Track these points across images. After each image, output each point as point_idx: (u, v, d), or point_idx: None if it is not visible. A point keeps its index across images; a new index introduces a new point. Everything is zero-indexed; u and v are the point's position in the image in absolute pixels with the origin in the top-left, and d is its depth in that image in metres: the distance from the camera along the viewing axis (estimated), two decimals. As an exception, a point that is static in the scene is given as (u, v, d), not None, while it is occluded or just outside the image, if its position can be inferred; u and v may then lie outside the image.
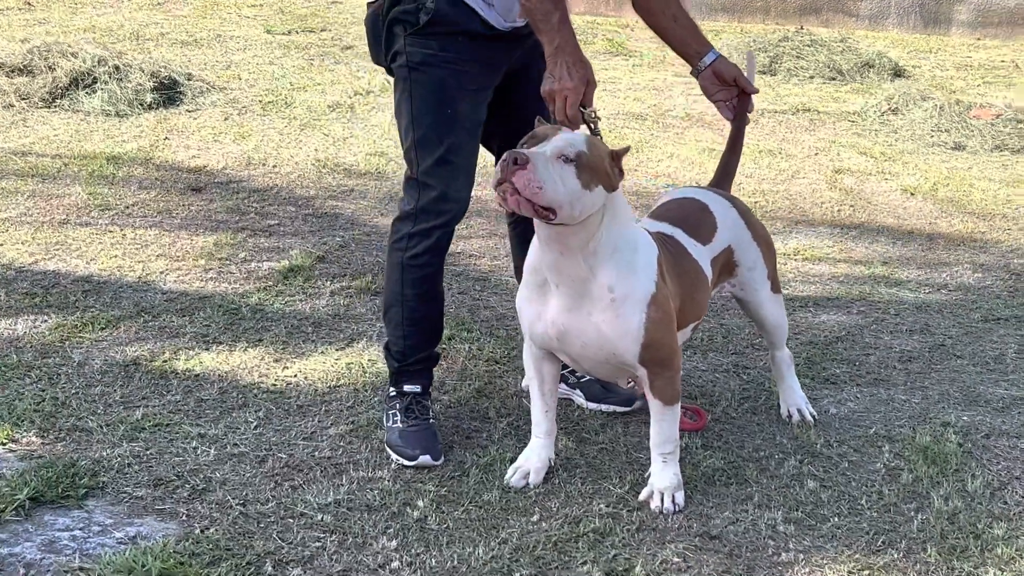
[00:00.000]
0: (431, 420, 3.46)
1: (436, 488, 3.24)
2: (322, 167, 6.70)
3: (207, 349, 4.10)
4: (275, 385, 3.85)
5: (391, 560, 2.89)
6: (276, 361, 4.04)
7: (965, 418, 3.79)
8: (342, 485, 3.23)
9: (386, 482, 3.26)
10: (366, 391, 3.82)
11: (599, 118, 3.16)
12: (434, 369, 3.61)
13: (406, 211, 3.42)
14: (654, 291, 3.04)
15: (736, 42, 10.98)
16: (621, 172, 3.00)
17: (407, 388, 3.50)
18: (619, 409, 3.74)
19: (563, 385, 3.75)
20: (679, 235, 3.32)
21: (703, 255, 3.36)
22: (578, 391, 3.78)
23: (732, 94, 3.58)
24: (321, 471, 3.32)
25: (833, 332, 4.53)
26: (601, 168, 2.93)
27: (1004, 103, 8.74)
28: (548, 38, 3.12)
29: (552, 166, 2.84)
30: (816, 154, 7.57)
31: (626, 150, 3.02)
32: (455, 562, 2.89)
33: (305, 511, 3.09)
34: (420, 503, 3.15)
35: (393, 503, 3.15)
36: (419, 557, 2.91)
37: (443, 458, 3.38)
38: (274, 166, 6.68)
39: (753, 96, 3.61)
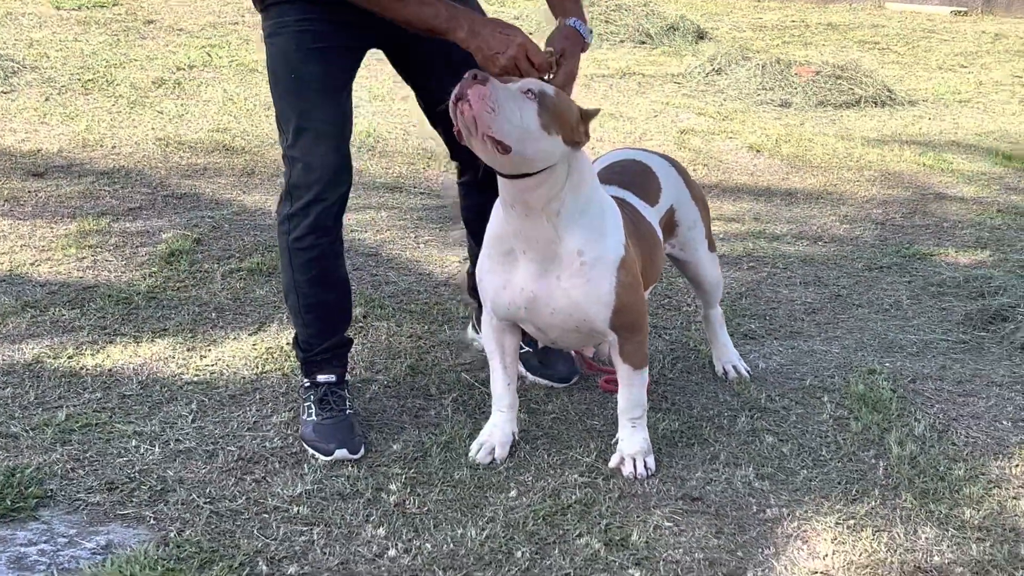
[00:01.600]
0: (348, 411, 3.28)
1: (403, 471, 3.13)
2: (165, 146, 6.41)
3: (111, 342, 3.86)
4: (198, 375, 3.66)
5: (386, 548, 2.77)
6: (189, 351, 3.83)
7: (888, 364, 3.90)
8: (306, 475, 3.09)
9: (349, 468, 3.13)
10: (296, 376, 3.66)
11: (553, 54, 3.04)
12: (348, 355, 3.43)
13: (283, 191, 3.22)
14: (623, 254, 3.00)
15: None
16: (587, 133, 2.93)
17: (320, 378, 3.32)
18: (555, 384, 3.66)
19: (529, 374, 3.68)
20: (630, 198, 3.29)
21: (653, 217, 3.34)
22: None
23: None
24: (279, 462, 3.16)
25: (734, 289, 4.59)
26: (566, 118, 2.82)
27: (821, 61, 9.04)
28: (451, 28, 2.94)
29: (514, 98, 2.73)
30: (656, 116, 7.67)
31: (596, 111, 2.96)
32: (451, 545, 2.79)
33: (278, 504, 2.94)
34: (392, 487, 3.04)
35: (365, 489, 3.03)
36: (412, 543, 2.80)
37: (363, 450, 3.21)
38: (113, 147, 6.35)
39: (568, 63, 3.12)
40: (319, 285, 3.27)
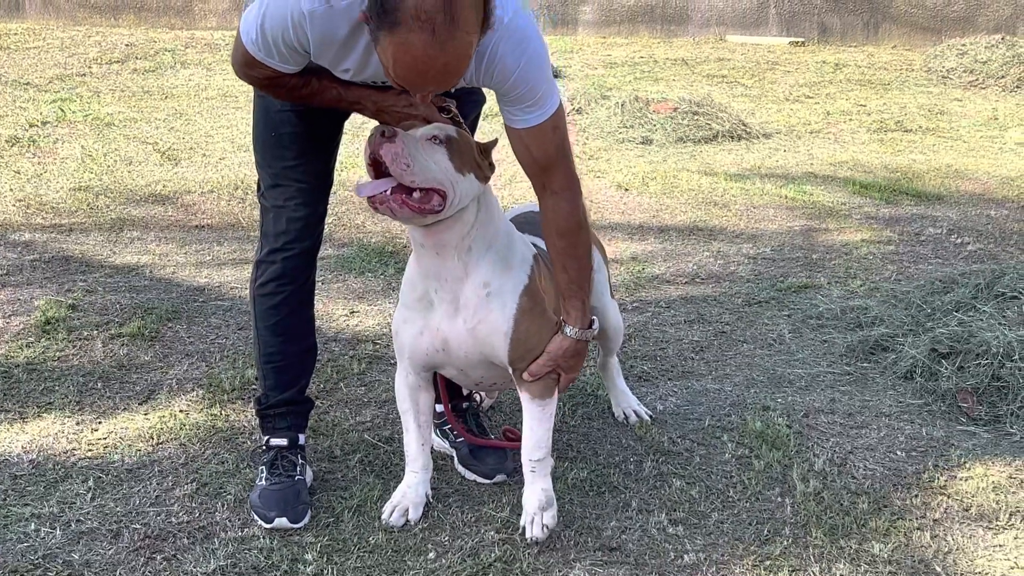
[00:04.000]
0: (297, 477, 3.25)
1: (316, 539, 3.07)
2: (26, 207, 6.22)
3: (-5, 419, 3.72)
4: (91, 450, 3.54)
5: (310, 622, 2.72)
6: (79, 424, 3.71)
7: (779, 400, 3.98)
8: (217, 550, 3.01)
9: (262, 540, 3.06)
10: (193, 445, 3.58)
11: (457, 116, 3.06)
12: (307, 416, 3.40)
13: (258, 238, 3.28)
14: (527, 283, 3.01)
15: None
16: (492, 165, 2.96)
17: (273, 442, 3.30)
18: (479, 480, 3.45)
19: (442, 441, 3.61)
20: (540, 243, 3.30)
21: (561, 261, 3.35)
22: (452, 449, 3.58)
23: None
24: (187, 537, 3.08)
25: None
26: (471, 156, 2.87)
27: (677, 96, 9.24)
28: (357, 108, 2.99)
29: (422, 146, 2.77)
30: (522, 158, 7.71)
31: (494, 143, 2.98)
32: (376, 614, 2.75)
33: (193, 583, 2.86)
34: (308, 557, 2.98)
35: (281, 561, 2.97)
36: (337, 614, 2.75)
37: (307, 518, 3.16)
38: (-30, 210, 6.12)
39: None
40: (279, 335, 3.27)
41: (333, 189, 3.34)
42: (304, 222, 3.21)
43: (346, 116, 3.26)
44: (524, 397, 3.09)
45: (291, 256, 3.22)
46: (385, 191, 2.74)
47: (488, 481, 3.41)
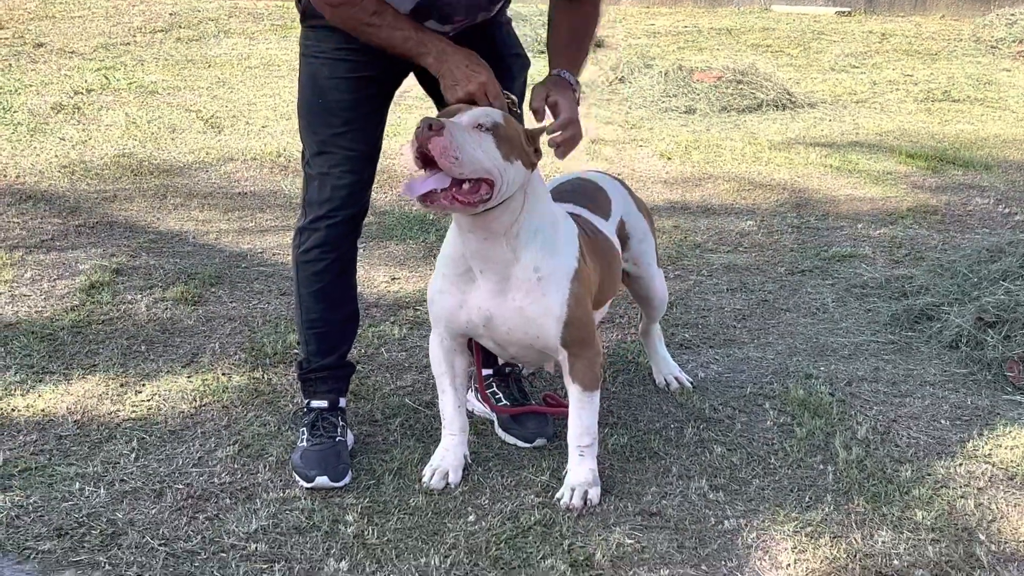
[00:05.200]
0: (338, 438, 3.26)
1: (357, 500, 3.09)
2: (71, 173, 6.26)
3: (40, 381, 3.75)
4: (135, 412, 3.57)
5: (351, 582, 2.73)
6: (123, 387, 3.74)
7: (823, 368, 3.95)
8: (259, 510, 3.03)
9: (303, 501, 3.08)
10: (235, 407, 3.60)
11: (514, 101, 3.06)
12: (348, 380, 3.41)
13: (301, 205, 3.28)
14: (576, 267, 3.01)
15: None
16: (538, 151, 2.94)
17: (314, 404, 3.32)
18: (520, 443, 3.43)
19: (483, 406, 3.60)
20: (586, 213, 3.30)
21: (609, 229, 3.36)
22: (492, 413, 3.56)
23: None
24: (230, 498, 3.09)
25: (665, 298, 4.61)
26: (518, 142, 2.85)
27: (720, 65, 9.17)
28: (421, 53, 2.94)
29: (469, 134, 2.74)
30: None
31: (541, 130, 2.96)
32: (416, 574, 2.76)
33: (235, 543, 2.88)
34: (349, 518, 2.99)
35: (322, 522, 2.98)
36: (377, 575, 2.76)
37: (348, 478, 3.18)
38: (17, 176, 6.19)
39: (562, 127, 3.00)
40: (321, 302, 3.28)
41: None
42: (349, 190, 3.21)
43: (396, 85, 3.25)
44: (573, 388, 3.10)
45: (335, 223, 3.22)
46: (435, 189, 2.72)
47: (528, 445, 3.41)
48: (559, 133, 2.97)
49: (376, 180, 3.35)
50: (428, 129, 2.68)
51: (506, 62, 3.23)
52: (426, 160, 2.73)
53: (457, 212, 2.83)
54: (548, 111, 3.02)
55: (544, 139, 2.98)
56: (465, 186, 2.76)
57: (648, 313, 3.75)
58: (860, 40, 12.28)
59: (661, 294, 3.67)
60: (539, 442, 3.41)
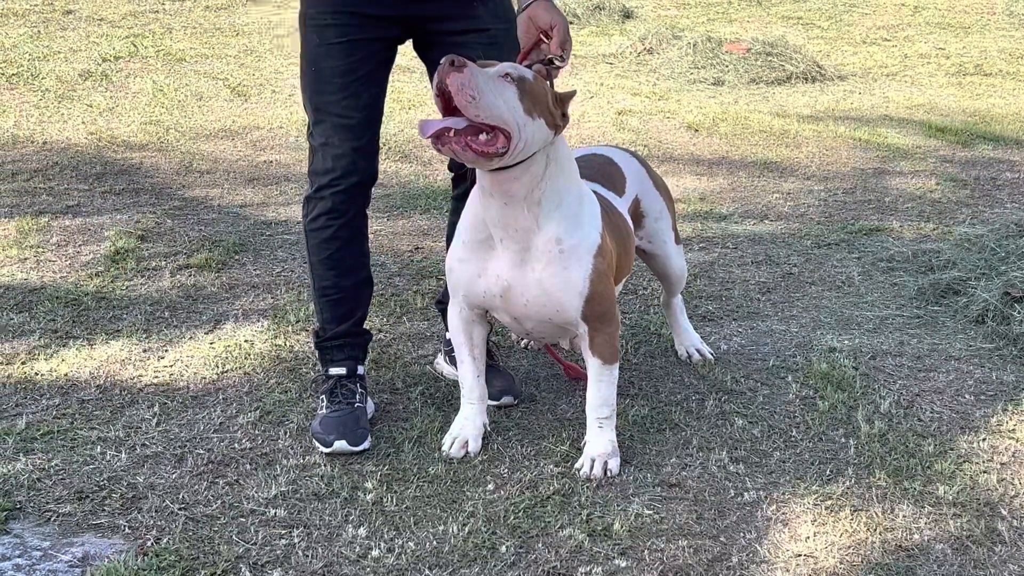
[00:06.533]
0: (356, 404, 3.26)
1: (377, 467, 3.09)
2: (98, 140, 6.28)
3: (64, 346, 3.77)
4: (157, 377, 3.58)
5: (369, 549, 2.73)
6: (146, 352, 3.75)
7: (846, 342, 3.93)
8: (279, 476, 3.04)
9: (323, 467, 3.08)
10: (257, 374, 3.61)
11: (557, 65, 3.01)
12: (366, 347, 3.41)
13: (307, 175, 3.30)
14: (600, 242, 2.99)
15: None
16: (565, 116, 2.90)
17: (332, 371, 3.32)
18: (489, 402, 3.39)
19: (448, 365, 3.62)
20: (600, 190, 3.26)
21: (622, 206, 3.33)
22: None
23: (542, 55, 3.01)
24: (250, 463, 3.10)
25: (688, 270, 4.58)
26: (544, 100, 2.80)
27: (750, 37, 9.10)
28: None
29: (493, 81, 2.70)
30: (592, 97, 7.67)
31: (572, 93, 2.93)
32: (434, 542, 2.76)
33: (255, 508, 2.89)
34: (368, 485, 3.00)
35: (341, 488, 2.98)
36: (395, 542, 2.76)
37: (367, 443, 3.18)
38: (44, 143, 6.21)
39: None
40: (332, 268, 3.29)
41: (400, 127, 3.32)
42: (350, 157, 3.19)
43: (391, 51, 3.22)
44: (593, 361, 3.09)
45: (339, 191, 3.22)
46: (449, 131, 2.70)
47: (495, 403, 3.41)
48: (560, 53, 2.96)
49: (401, 150, 3.33)
50: (450, 65, 2.64)
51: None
52: (446, 103, 2.70)
53: (469, 162, 2.78)
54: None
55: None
56: (482, 136, 2.71)
57: (667, 288, 3.74)
58: (892, 13, 12.17)
59: (679, 271, 3.64)
60: (505, 400, 3.43)
